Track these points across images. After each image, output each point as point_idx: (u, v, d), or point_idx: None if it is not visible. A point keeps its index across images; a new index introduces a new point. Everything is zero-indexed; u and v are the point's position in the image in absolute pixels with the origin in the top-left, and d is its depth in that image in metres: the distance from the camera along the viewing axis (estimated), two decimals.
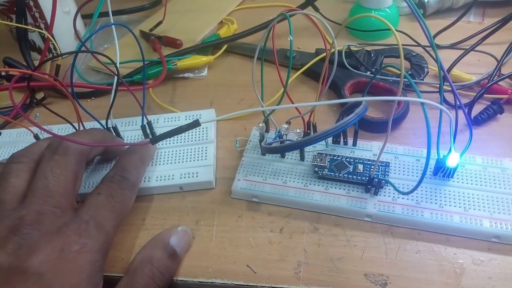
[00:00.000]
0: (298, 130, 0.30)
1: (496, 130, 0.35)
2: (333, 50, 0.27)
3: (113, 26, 0.32)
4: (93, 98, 0.42)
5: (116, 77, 0.32)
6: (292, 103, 0.29)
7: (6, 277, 0.22)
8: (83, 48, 0.32)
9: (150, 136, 0.34)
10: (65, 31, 0.46)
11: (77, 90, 0.41)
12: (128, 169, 0.29)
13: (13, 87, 0.29)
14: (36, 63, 0.43)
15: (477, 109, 0.35)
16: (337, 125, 0.25)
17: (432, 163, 0.30)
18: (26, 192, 0.26)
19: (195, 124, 0.24)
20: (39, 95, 0.42)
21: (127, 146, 0.32)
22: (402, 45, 0.41)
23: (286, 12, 0.27)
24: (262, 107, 0.31)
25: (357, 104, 0.28)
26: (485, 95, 0.36)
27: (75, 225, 0.24)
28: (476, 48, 0.39)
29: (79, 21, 0.50)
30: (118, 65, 0.32)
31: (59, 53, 0.46)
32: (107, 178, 0.28)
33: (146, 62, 0.42)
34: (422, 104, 0.23)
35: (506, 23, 0.40)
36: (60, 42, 0.46)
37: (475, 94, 0.35)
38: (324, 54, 0.40)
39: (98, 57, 0.32)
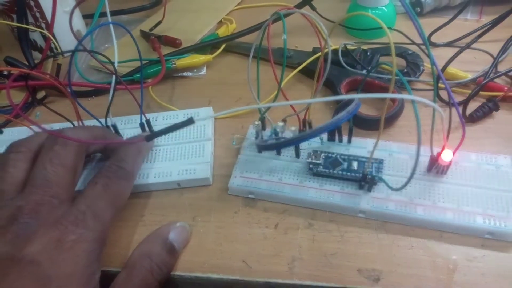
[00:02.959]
0: (293, 128, 0.31)
1: (491, 128, 0.35)
2: (326, 49, 0.27)
3: (111, 25, 0.33)
4: (93, 96, 0.43)
5: (114, 76, 0.32)
6: (287, 100, 0.30)
7: (2, 266, 0.22)
8: (81, 48, 0.32)
9: None
10: (65, 30, 0.46)
11: (77, 89, 0.42)
12: (124, 159, 0.29)
13: (11, 86, 0.30)
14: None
15: (473, 106, 0.35)
16: (329, 122, 0.26)
17: (426, 160, 0.30)
18: (24, 182, 0.26)
19: (190, 121, 0.24)
20: (41, 94, 0.43)
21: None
22: (399, 43, 0.41)
23: (281, 11, 0.27)
24: (258, 105, 0.32)
25: (352, 101, 0.28)
26: (480, 93, 0.36)
27: (72, 216, 0.25)
28: (473, 46, 0.40)
29: (81, 20, 0.50)
30: (116, 64, 0.32)
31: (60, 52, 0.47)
32: (104, 168, 0.28)
33: (145, 61, 0.43)
34: (413, 101, 0.24)
35: (502, 21, 0.40)
36: (61, 41, 0.47)
37: (470, 91, 0.36)
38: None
39: (96, 56, 0.33)
